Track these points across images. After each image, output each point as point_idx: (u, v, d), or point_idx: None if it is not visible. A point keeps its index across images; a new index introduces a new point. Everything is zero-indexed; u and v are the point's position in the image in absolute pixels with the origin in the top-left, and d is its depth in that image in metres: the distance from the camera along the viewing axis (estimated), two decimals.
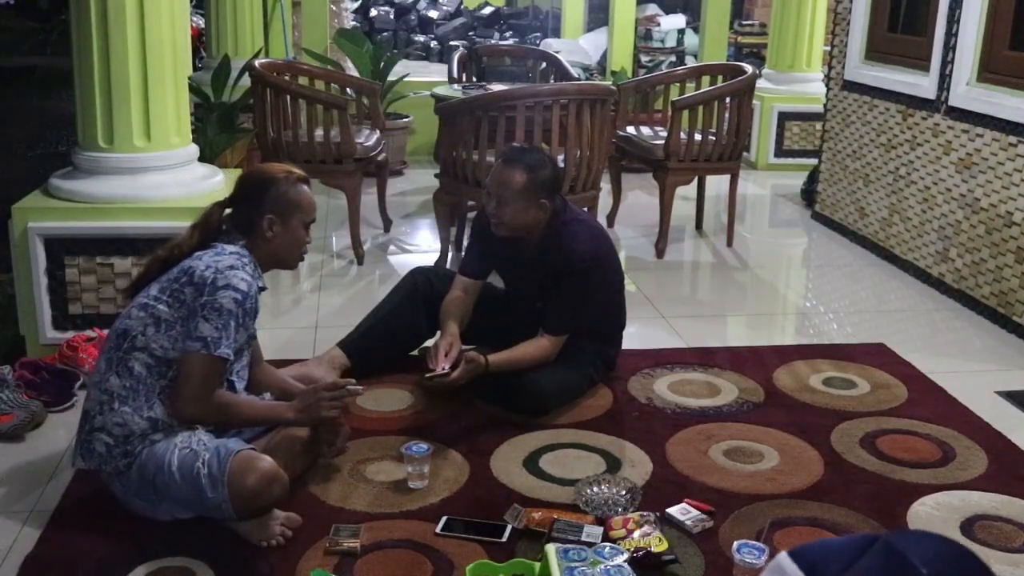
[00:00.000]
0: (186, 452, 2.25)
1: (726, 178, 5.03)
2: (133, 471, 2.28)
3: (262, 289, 2.44)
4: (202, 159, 3.61)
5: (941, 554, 0.83)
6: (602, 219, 4.82)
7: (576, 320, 3.04)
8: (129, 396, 2.28)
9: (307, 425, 2.54)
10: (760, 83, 6.20)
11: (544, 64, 6.17)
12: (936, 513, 2.50)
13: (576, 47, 8.74)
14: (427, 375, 2.86)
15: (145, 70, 3.17)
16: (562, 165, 4.19)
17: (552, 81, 5.88)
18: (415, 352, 3.34)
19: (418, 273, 3.37)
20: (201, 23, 6.48)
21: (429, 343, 3.33)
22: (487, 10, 11.79)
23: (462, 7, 11.79)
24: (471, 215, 5.10)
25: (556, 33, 10.56)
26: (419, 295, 3.26)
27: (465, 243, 3.82)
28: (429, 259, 4.55)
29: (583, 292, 3.00)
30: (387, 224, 5.18)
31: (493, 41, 10.34)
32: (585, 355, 3.12)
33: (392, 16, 11.27)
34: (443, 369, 2.84)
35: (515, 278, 3.25)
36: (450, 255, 4.54)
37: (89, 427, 2.31)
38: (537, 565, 2.13)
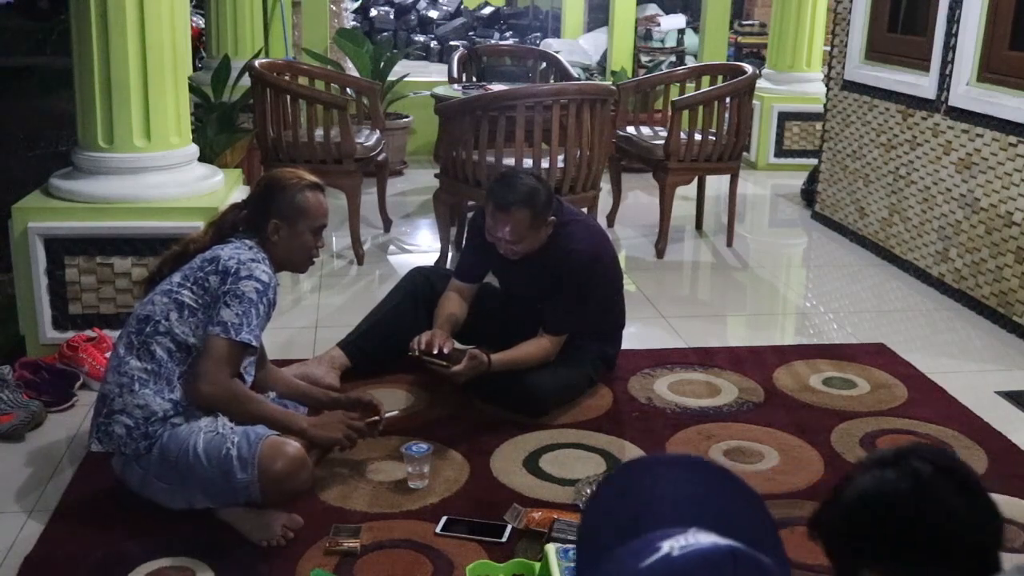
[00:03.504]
0: (213, 435, 2.28)
1: (726, 178, 5.03)
2: (154, 454, 2.29)
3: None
4: (202, 159, 3.61)
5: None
6: (602, 219, 4.83)
7: (576, 320, 3.04)
8: (150, 379, 2.31)
9: (317, 443, 2.53)
10: (760, 83, 6.19)
11: (544, 64, 6.17)
12: None
13: (576, 47, 8.74)
14: (425, 355, 2.83)
15: (145, 70, 3.17)
16: (562, 165, 4.20)
17: (552, 81, 5.88)
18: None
19: (418, 273, 3.37)
20: (201, 23, 6.48)
21: None
22: (487, 10, 11.80)
23: (462, 7, 11.79)
24: (471, 215, 5.11)
25: (556, 33, 10.56)
26: (419, 295, 3.26)
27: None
28: (429, 259, 4.55)
29: (582, 292, 3.00)
30: (387, 224, 5.18)
31: (493, 41, 10.34)
32: (585, 355, 3.12)
33: (392, 16, 11.27)
34: (419, 349, 2.82)
35: (513, 280, 3.25)
36: (450, 255, 4.54)
37: (108, 410, 2.33)
38: (537, 565, 2.13)
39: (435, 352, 2.84)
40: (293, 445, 2.31)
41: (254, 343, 2.35)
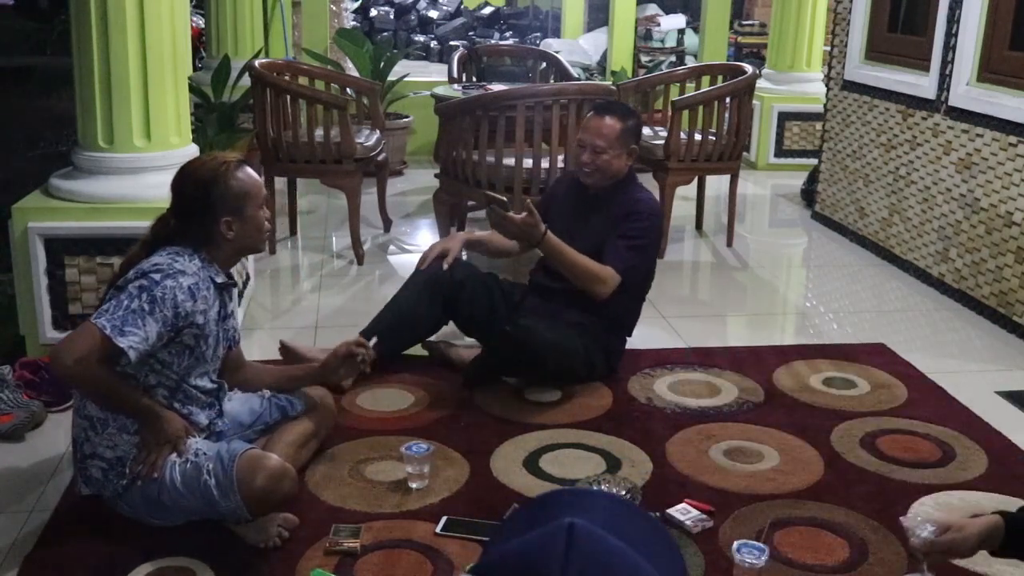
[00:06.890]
0: (187, 466, 2.24)
1: (726, 178, 5.03)
2: (135, 494, 2.27)
3: (230, 284, 2.39)
4: None
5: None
6: None
7: (631, 262, 3.10)
8: (109, 417, 2.27)
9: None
10: (760, 83, 6.20)
11: (544, 64, 6.17)
12: (936, 513, 2.50)
13: (576, 47, 8.75)
14: (488, 193, 3.10)
15: (145, 70, 3.17)
16: (562, 165, 4.19)
17: (552, 81, 5.88)
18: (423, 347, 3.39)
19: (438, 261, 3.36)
20: (201, 23, 6.48)
21: (435, 340, 3.35)
22: (487, 10, 11.80)
23: (462, 7, 11.79)
24: (471, 215, 5.12)
25: (556, 33, 10.57)
26: (437, 284, 3.23)
27: None
28: None
29: (639, 236, 3.12)
30: (387, 224, 5.18)
31: (493, 41, 10.34)
32: (588, 328, 3.14)
33: (392, 16, 11.28)
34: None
35: (577, 233, 3.19)
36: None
37: (81, 455, 2.31)
38: None
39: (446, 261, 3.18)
40: (271, 458, 2.26)
41: (115, 338, 2.11)
